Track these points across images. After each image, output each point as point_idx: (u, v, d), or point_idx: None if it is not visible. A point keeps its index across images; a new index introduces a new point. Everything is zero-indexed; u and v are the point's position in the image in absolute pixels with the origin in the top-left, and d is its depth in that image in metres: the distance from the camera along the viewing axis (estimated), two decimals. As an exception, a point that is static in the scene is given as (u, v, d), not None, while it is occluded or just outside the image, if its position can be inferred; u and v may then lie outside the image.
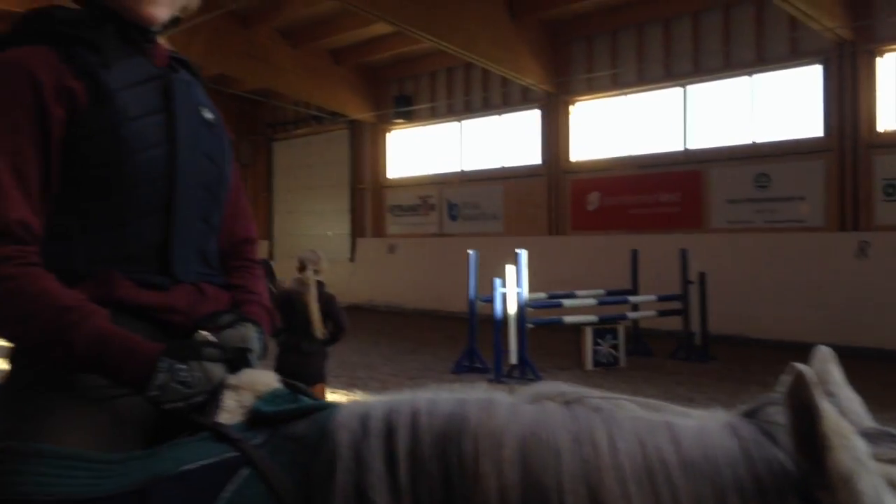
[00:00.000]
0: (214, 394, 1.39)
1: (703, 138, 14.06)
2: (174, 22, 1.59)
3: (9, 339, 1.41)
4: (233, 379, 1.42)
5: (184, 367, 1.36)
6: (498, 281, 9.29)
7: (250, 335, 1.54)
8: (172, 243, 1.50)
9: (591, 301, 10.47)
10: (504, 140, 17.21)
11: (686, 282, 10.68)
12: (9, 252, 1.35)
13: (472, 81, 17.56)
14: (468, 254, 9.96)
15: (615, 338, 10.05)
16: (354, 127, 20.04)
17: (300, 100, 19.85)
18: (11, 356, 1.46)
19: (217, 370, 1.40)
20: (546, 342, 11.17)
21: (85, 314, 1.36)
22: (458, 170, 18.10)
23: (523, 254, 9.30)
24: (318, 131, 20.97)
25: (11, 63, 1.42)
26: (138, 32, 1.53)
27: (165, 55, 1.62)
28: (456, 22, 13.83)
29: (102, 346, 1.35)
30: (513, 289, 9.24)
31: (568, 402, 1.17)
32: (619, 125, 15.18)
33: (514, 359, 9.17)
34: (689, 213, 13.96)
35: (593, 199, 15.32)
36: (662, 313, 10.97)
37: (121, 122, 1.44)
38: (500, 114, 17.25)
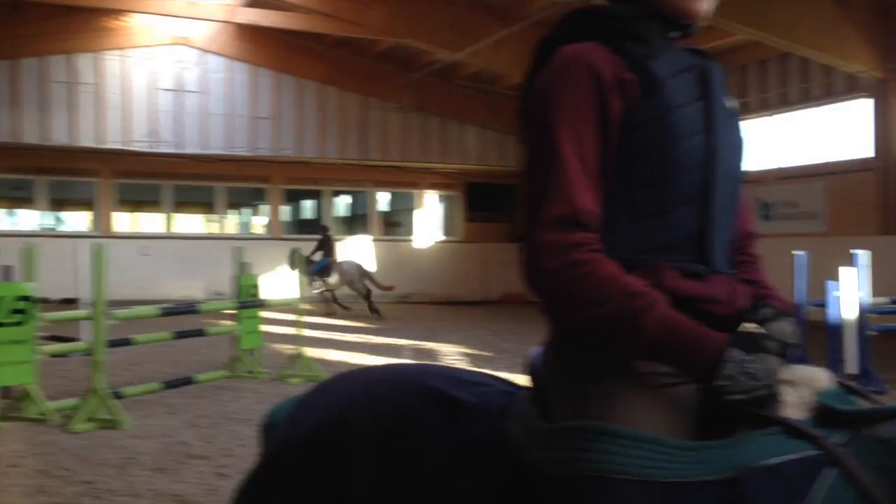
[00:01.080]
0: (772, 388, 1.35)
1: None
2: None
3: (579, 322, 1.41)
4: (787, 373, 1.37)
5: (750, 358, 1.33)
6: (832, 284, 8.60)
7: (790, 329, 1.48)
8: (709, 232, 1.49)
9: (946, 307, 9.34)
10: (825, 133, 15.89)
11: None
12: (581, 238, 1.38)
13: (788, 73, 16.42)
14: (793, 255, 9.32)
15: (976, 349, 8.88)
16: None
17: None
18: (560, 339, 1.50)
19: (777, 364, 1.36)
20: (887, 352, 10.15)
21: (652, 301, 1.36)
22: (772, 167, 17.02)
23: (864, 254, 8.53)
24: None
25: (574, 58, 1.46)
26: (679, 27, 1.55)
27: (684, 48, 1.60)
28: (772, 10, 13.01)
29: (672, 334, 1.34)
30: (852, 292, 8.51)
31: None
32: (971, 109, 13.39)
33: (853, 369, 8.45)
34: None
35: (939, 194, 13.66)
36: None
37: (668, 111, 1.45)
38: (820, 105, 15.94)
